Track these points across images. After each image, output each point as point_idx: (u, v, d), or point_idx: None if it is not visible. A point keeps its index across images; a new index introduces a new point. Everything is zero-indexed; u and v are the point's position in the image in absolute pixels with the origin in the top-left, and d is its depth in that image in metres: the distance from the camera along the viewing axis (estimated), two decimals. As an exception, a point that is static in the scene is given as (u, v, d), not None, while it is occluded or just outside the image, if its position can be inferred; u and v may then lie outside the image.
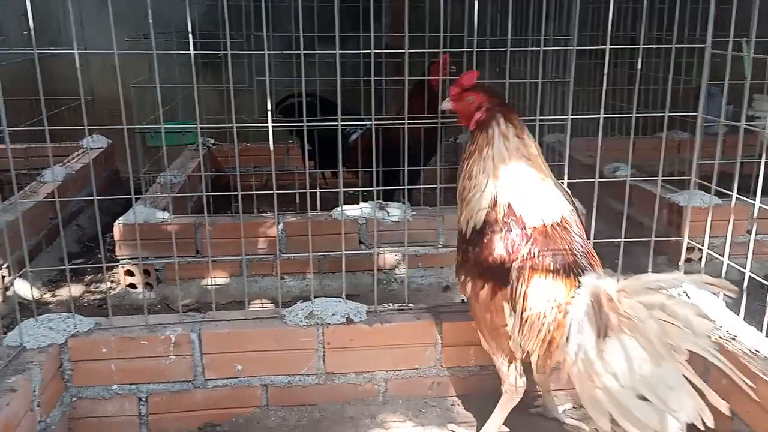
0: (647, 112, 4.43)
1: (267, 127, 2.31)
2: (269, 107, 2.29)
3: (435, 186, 2.55)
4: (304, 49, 2.31)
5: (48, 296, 3.22)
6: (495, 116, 1.98)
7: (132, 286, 3.19)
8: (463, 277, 2.03)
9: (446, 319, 2.34)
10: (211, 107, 4.10)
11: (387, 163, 3.31)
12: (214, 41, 3.76)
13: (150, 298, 3.13)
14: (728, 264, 2.25)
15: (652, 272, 2.45)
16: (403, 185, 2.96)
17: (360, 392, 2.35)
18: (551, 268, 1.88)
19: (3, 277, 2.98)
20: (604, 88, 2.29)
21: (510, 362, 2.00)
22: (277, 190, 2.39)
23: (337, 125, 2.42)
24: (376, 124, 3.21)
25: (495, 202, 1.94)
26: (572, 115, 2.55)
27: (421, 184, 3.71)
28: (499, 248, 1.92)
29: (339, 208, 3.22)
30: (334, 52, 2.31)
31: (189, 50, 2.18)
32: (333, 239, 3.12)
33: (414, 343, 2.33)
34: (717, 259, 2.46)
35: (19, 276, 2.32)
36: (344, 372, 2.31)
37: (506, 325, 1.92)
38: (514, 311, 1.90)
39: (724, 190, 2.43)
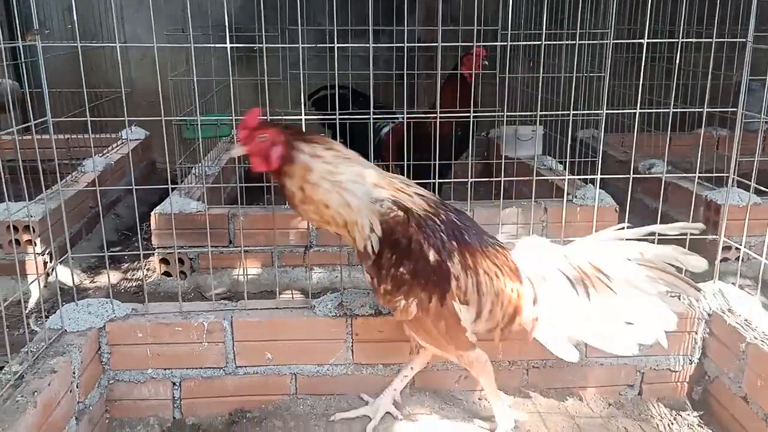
0: (685, 107, 4.35)
1: (300, 119, 2.34)
2: (303, 100, 2.31)
3: (466, 180, 2.55)
4: (337, 43, 2.33)
5: (87, 282, 3.32)
6: (295, 145, 1.85)
7: (167, 274, 3.27)
8: (403, 302, 1.90)
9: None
10: (245, 100, 4.16)
11: (418, 156, 3.31)
12: (249, 35, 3.82)
13: (184, 287, 3.21)
14: (766, 263, 2.20)
15: (688, 272, 2.42)
16: (434, 179, 2.97)
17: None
18: (480, 248, 1.91)
19: (45, 263, 3.09)
20: (641, 83, 2.26)
21: (471, 349, 2.00)
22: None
23: (369, 119, 2.44)
24: (408, 118, 3.21)
25: (394, 200, 1.86)
26: (607, 110, 2.52)
27: (452, 178, 3.71)
28: (432, 253, 1.85)
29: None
30: (368, 45, 2.32)
31: (225, 43, 2.22)
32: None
33: (442, 336, 2.34)
34: (754, 258, 2.40)
35: (60, 262, 2.40)
36: (372, 363, 2.34)
37: (461, 322, 1.91)
38: (468, 304, 1.89)
39: (764, 188, 2.38)
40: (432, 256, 1.85)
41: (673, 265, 1.84)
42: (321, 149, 1.86)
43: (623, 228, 1.91)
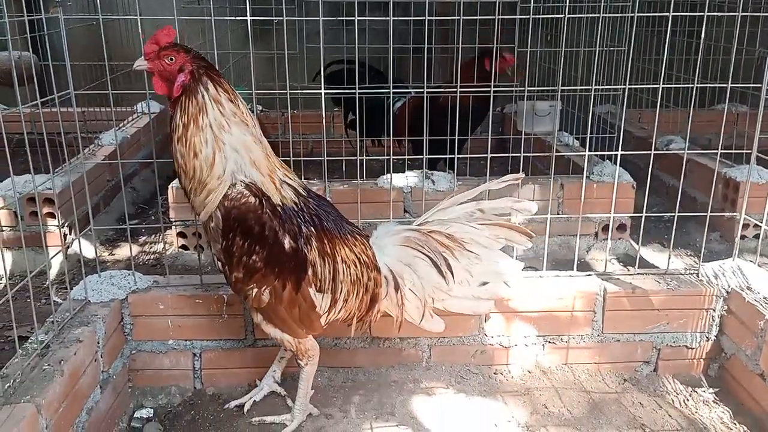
0: (704, 82, 4.28)
1: (318, 93, 2.33)
2: (321, 73, 2.30)
3: (482, 156, 2.53)
4: (350, 16, 2.30)
5: (105, 255, 3.36)
6: (202, 80, 1.75)
7: (184, 247, 3.29)
8: (255, 290, 1.84)
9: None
10: (260, 74, 4.14)
11: (432, 131, 3.30)
12: (265, 7, 3.78)
13: (201, 260, 3.23)
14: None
15: (706, 250, 2.41)
16: (448, 154, 2.96)
17: (404, 357, 2.40)
18: (339, 236, 1.90)
19: (65, 235, 3.12)
20: (665, 57, 2.22)
21: (310, 336, 2.00)
22: (322, 157, 2.41)
23: (382, 93, 2.41)
24: (422, 92, 3.19)
25: (247, 185, 1.77)
26: (624, 85, 2.49)
27: (466, 153, 3.69)
28: (287, 240, 1.79)
29: (385, 176, 3.24)
30: (386, 18, 2.30)
31: (245, 16, 2.20)
32: (378, 207, 3.16)
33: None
34: (774, 236, 2.39)
35: (81, 234, 2.43)
36: (389, 337, 2.36)
37: (316, 308, 1.90)
38: (322, 291, 1.88)
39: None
40: (287, 243, 1.79)
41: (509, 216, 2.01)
42: (224, 97, 1.77)
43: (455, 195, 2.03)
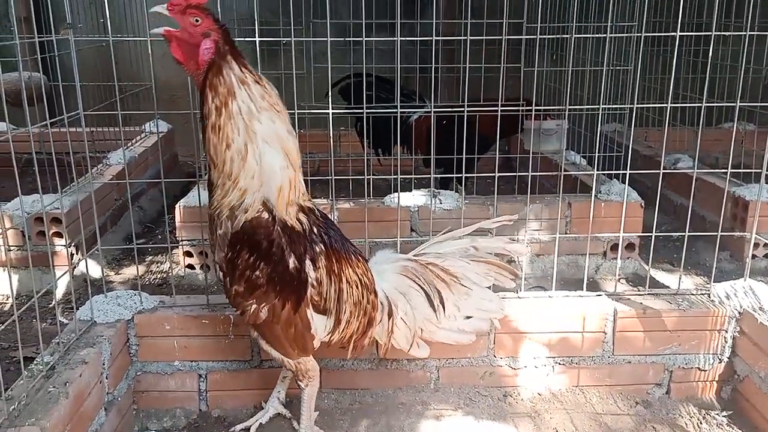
0: (711, 101, 4.28)
1: (326, 113, 2.34)
2: (329, 94, 2.30)
3: (492, 175, 2.53)
4: (357, 36, 2.31)
5: (111, 275, 3.35)
6: (227, 57, 1.57)
7: (190, 267, 3.29)
8: (253, 306, 1.78)
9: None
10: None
11: (446, 149, 3.30)
12: (272, 28, 3.82)
13: (207, 279, 3.22)
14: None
15: (716, 269, 2.39)
16: (459, 173, 2.95)
17: (412, 379, 2.37)
18: (345, 256, 1.88)
19: (72, 255, 3.12)
20: (672, 76, 2.22)
21: (310, 357, 1.97)
22: (329, 176, 2.41)
23: (396, 112, 2.42)
24: (436, 112, 3.19)
25: (258, 207, 1.67)
26: (631, 104, 2.48)
27: (475, 172, 3.69)
28: (292, 260, 1.74)
29: (392, 195, 3.24)
30: (393, 39, 2.31)
31: (251, 38, 2.22)
32: (385, 226, 3.15)
33: (467, 331, 2.33)
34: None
35: (89, 254, 2.43)
36: (397, 358, 2.33)
37: (311, 329, 1.86)
38: (326, 312, 1.86)
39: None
40: (292, 262, 1.74)
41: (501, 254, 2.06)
42: (251, 78, 1.60)
43: (452, 229, 2.09)
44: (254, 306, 1.79)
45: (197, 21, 1.57)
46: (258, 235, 1.71)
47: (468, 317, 2.03)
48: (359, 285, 1.90)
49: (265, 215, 1.72)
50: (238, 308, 1.84)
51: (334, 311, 1.87)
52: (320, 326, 1.89)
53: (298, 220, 1.79)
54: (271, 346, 1.92)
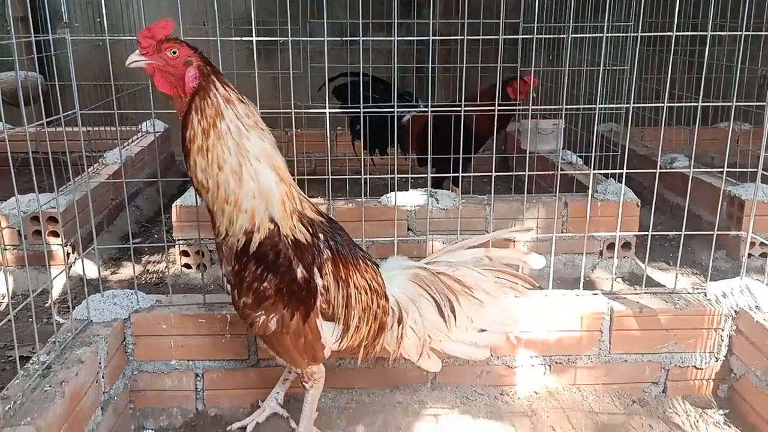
0: (707, 101, 4.30)
1: (322, 113, 2.34)
2: (326, 92, 2.30)
3: (488, 174, 2.53)
4: (353, 36, 2.31)
5: (108, 274, 3.34)
6: (211, 78, 1.58)
7: (187, 266, 3.28)
8: (262, 318, 1.77)
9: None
10: (264, 93, 4.16)
11: (441, 148, 3.30)
12: (269, 28, 3.82)
13: (204, 279, 3.22)
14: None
15: (712, 268, 2.40)
16: (456, 171, 2.96)
17: (409, 378, 2.37)
18: (353, 262, 1.86)
19: (68, 254, 3.12)
20: (669, 76, 2.23)
21: (319, 363, 1.96)
22: (326, 176, 2.41)
23: (393, 112, 2.42)
24: (427, 111, 3.19)
25: (281, 201, 1.66)
26: (628, 103, 2.49)
27: (470, 171, 3.69)
28: (300, 269, 1.74)
29: (389, 195, 3.24)
30: (391, 39, 2.31)
31: (248, 37, 2.22)
32: (381, 225, 3.15)
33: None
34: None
35: (85, 253, 2.42)
36: (384, 356, 2.33)
37: (321, 339, 1.85)
38: (335, 319, 1.85)
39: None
40: (300, 272, 1.73)
41: (516, 264, 1.98)
42: (234, 96, 1.60)
43: (466, 238, 2.04)
44: (263, 317, 1.78)
45: (175, 53, 1.59)
46: (264, 247, 1.70)
47: (482, 330, 1.97)
48: (368, 290, 1.88)
49: (270, 226, 1.70)
50: (247, 320, 1.82)
51: (342, 317, 1.85)
52: (329, 335, 1.87)
53: (303, 229, 1.77)
54: (280, 356, 1.92)
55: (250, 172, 1.62)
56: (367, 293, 1.88)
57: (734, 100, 2.35)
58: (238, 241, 1.70)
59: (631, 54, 3.44)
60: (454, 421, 2.21)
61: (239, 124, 1.60)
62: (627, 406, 2.30)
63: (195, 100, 1.59)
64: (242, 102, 1.63)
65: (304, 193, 1.89)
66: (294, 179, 2.35)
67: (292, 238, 1.73)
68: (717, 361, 2.34)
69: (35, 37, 2.59)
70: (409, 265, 2.01)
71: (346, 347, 1.92)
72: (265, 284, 1.73)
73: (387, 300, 1.93)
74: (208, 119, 1.58)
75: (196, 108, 1.59)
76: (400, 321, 1.93)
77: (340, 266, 1.83)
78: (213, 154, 1.58)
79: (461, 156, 2.96)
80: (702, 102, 2.31)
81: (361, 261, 1.90)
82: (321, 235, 1.82)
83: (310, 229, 1.79)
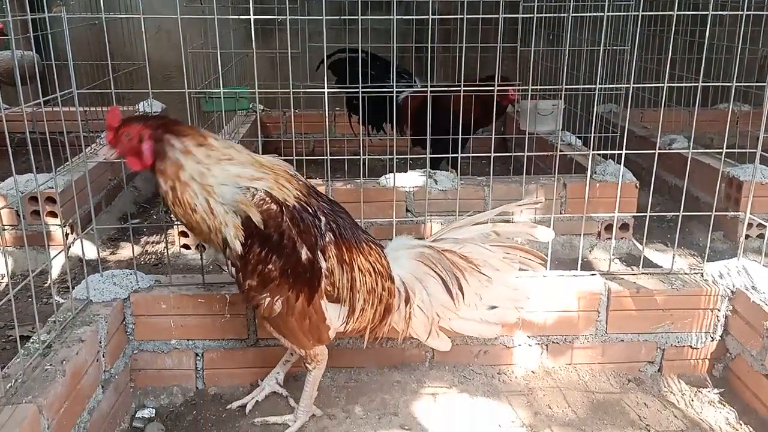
0: (707, 81, 4.28)
1: (321, 93, 2.33)
2: (325, 72, 2.29)
3: (487, 155, 2.52)
4: (352, 15, 2.29)
5: (107, 254, 3.35)
6: (165, 138, 1.72)
7: (185, 246, 3.29)
8: (267, 299, 1.81)
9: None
10: (262, 73, 4.14)
11: (435, 129, 3.29)
12: (267, 7, 3.78)
13: (203, 259, 3.22)
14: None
15: (709, 249, 2.40)
16: (451, 153, 2.95)
17: (407, 357, 2.39)
18: (356, 245, 1.87)
19: (67, 234, 3.12)
20: (669, 56, 2.21)
21: (324, 344, 1.99)
22: (324, 156, 2.40)
23: (386, 91, 2.40)
24: (426, 88, 3.18)
25: (267, 191, 1.73)
26: (628, 84, 2.48)
27: (468, 152, 3.68)
28: (304, 251, 1.76)
29: (388, 176, 3.24)
30: (389, 17, 2.29)
31: (246, 15, 2.20)
32: (380, 206, 3.15)
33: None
34: (778, 235, 2.38)
35: (84, 234, 2.43)
36: (392, 337, 2.35)
37: (326, 320, 1.88)
38: (340, 301, 1.86)
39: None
40: (304, 254, 1.76)
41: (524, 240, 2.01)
42: (193, 145, 1.73)
43: (473, 213, 2.04)
44: (268, 299, 1.80)
45: (128, 135, 1.75)
46: (268, 228, 1.73)
47: (492, 307, 1.97)
48: (372, 272, 1.89)
49: (274, 207, 1.73)
50: (252, 302, 1.85)
51: (347, 300, 1.87)
52: (335, 317, 1.89)
53: (305, 209, 1.79)
54: (285, 338, 1.94)
55: (218, 201, 1.74)
56: (371, 275, 1.89)
57: (734, 81, 2.34)
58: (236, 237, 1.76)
59: (632, 34, 3.42)
60: (452, 400, 2.23)
61: (200, 168, 1.72)
62: (623, 385, 2.32)
63: (157, 165, 1.74)
64: (201, 145, 1.74)
65: (303, 174, 1.89)
66: (292, 159, 2.36)
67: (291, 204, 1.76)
68: (713, 340, 2.36)
69: (31, 15, 2.56)
70: (414, 245, 2.01)
71: (352, 329, 1.93)
72: (270, 266, 1.76)
73: (393, 281, 1.93)
74: (171, 177, 1.72)
75: (160, 171, 1.74)
76: (407, 301, 1.94)
77: (344, 249, 1.84)
78: (184, 202, 1.73)
79: (459, 137, 2.95)
80: (702, 83, 2.29)
81: (364, 244, 1.91)
82: (322, 218, 1.83)
83: (310, 210, 1.80)
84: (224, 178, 1.74)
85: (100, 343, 2.02)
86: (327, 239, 1.81)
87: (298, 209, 1.78)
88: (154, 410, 2.21)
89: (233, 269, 1.83)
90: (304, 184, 1.87)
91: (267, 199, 1.73)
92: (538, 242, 2.02)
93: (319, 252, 1.80)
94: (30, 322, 2.03)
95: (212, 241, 1.80)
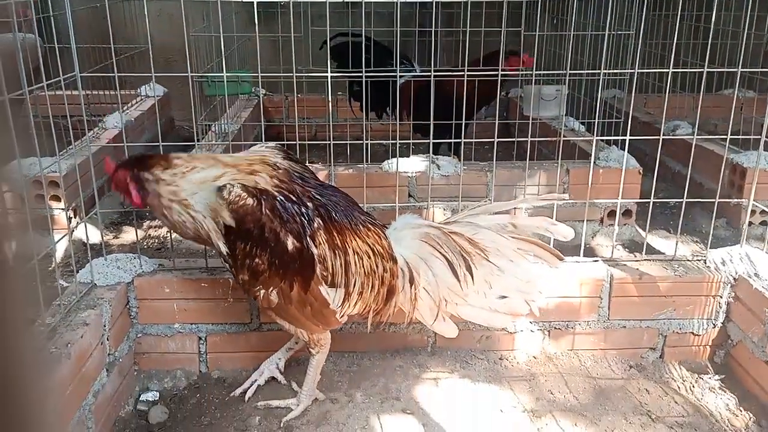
0: (712, 67, 4.25)
1: (324, 77, 2.31)
2: (327, 56, 2.28)
3: (490, 140, 2.52)
4: (356, -1, 2.27)
5: (110, 238, 3.35)
6: (141, 176, 1.83)
7: (188, 231, 3.29)
8: (262, 291, 1.83)
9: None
10: (264, 57, 4.12)
11: (435, 114, 3.27)
12: (269, -10, 3.74)
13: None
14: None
15: (712, 236, 2.40)
16: (452, 138, 2.94)
17: (409, 342, 2.40)
18: (350, 227, 1.86)
19: (70, 218, 3.12)
20: (675, 41, 2.20)
21: (333, 327, 1.99)
22: (327, 141, 2.39)
23: (395, 76, 2.39)
24: (426, 73, 3.16)
25: (244, 185, 1.75)
26: (632, 69, 2.46)
27: (470, 137, 3.67)
28: (290, 240, 1.76)
29: (390, 161, 3.23)
30: (393, 1, 2.27)
31: (248, 0, 2.18)
32: (382, 191, 3.15)
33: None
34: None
35: (87, 217, 2.43)
36: (395, 322, 2.36)
37: (329, 305, 1.87)
38: (336, 286, 1.86)
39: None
40: (290, 243, 1.76)
41: (543, 235, 1.92)
42: (160, 171, 1.81)
43: (489, 202, 1.98)
44: (263, 291, 1.83)
45: (118, 183, 1.88)
46: (246, 224, 1.74)
47: (502, 297, 1.92)
48: (371, 254, 1.87)
49: (250, 201, 1.73)
50: (250, 295, 1.88)
51: (342, 284, 1.86)
52: (338, 301, 1.88)
53: (288, 196, 1.79)
54: (292, 324, 1.94)
55: (197, 210, 1.81)
56: (369, 257, 1.88)
57: (740, 67, 2.33)
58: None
59: (637, 18, 3.39)
60: (454, 385, 2.25)
61: (171, 188, 1.81)
62: (624, 371, 2.34)
63: (146, 201, 1.86)
64: (167, 169, 1.82)
65: (304, 159, 1.89)
66: (295, 144, 2.35)
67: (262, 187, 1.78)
68: (714, 327, 2.36)
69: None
70: (419, 224, 1.98)
71: (355, 312, 1.93)
72: (257, 260, 1.77)
73: (395, 262, 1.91)
74: (157, 206, 1.84)
75: (149, 206, 1.87)
76: (411, 281, 1.92)
77: (334, 233, 1.83)
78: (176, 222, 1.83)
79: (460, 122, 2.93)
80: (706, 68, 2.28)
81: (361, 226, 1.89)
82: (309, 204, 1.81)
83: (293, 197, 1.79)
84: (191, 188, 1.81)
85: (105, 326, 2.03)
86: (315, 225, 1.80)
87: (279, 199, 1.77)
88: (158, 393, 2.23)
89: (227, 264, 1.86)
90: (285, 171, 1.85)
91: (243, 194, 1.73)
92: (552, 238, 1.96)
93: (308, 239, 1.78)
94: (35, 306, 2.04)
95: (213, 245, 1.85)
